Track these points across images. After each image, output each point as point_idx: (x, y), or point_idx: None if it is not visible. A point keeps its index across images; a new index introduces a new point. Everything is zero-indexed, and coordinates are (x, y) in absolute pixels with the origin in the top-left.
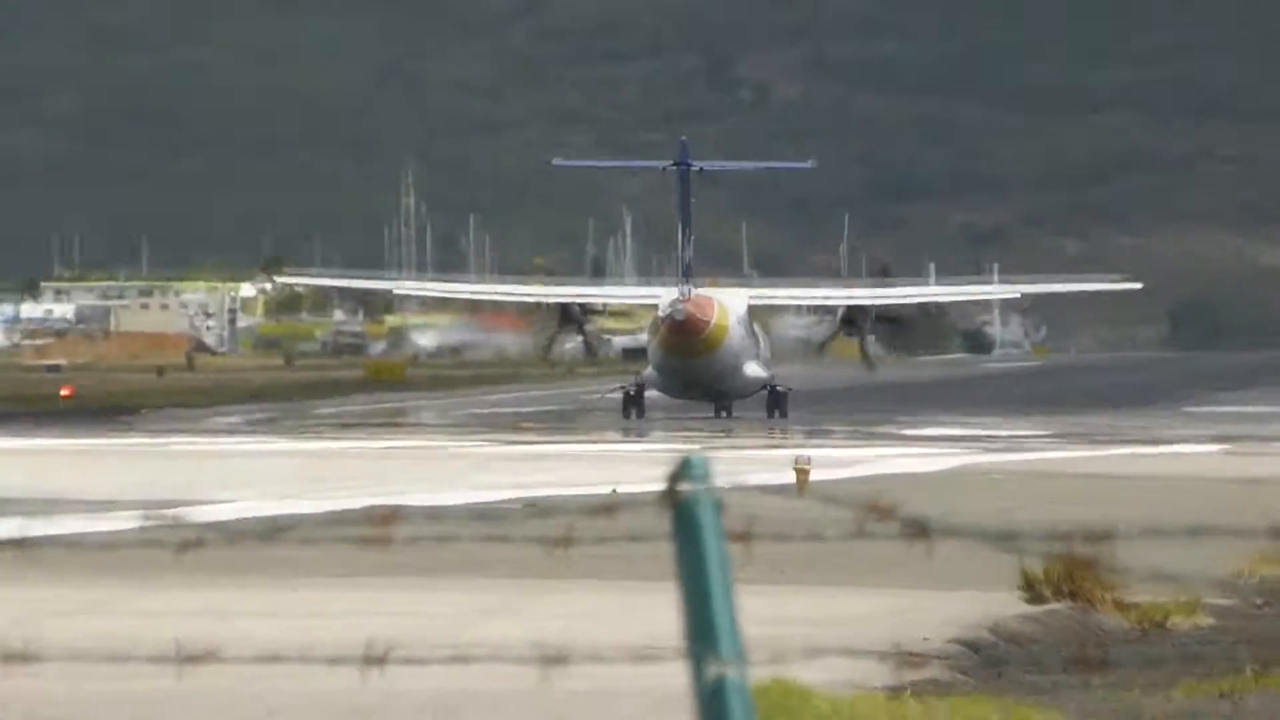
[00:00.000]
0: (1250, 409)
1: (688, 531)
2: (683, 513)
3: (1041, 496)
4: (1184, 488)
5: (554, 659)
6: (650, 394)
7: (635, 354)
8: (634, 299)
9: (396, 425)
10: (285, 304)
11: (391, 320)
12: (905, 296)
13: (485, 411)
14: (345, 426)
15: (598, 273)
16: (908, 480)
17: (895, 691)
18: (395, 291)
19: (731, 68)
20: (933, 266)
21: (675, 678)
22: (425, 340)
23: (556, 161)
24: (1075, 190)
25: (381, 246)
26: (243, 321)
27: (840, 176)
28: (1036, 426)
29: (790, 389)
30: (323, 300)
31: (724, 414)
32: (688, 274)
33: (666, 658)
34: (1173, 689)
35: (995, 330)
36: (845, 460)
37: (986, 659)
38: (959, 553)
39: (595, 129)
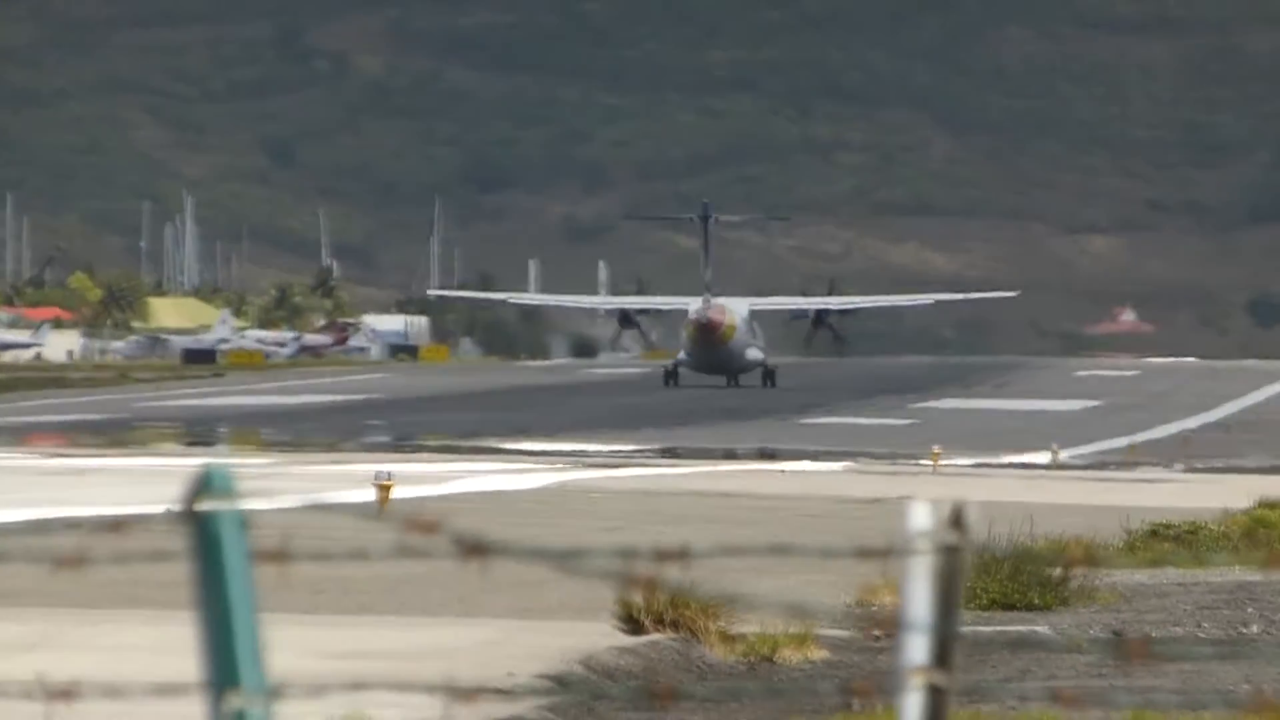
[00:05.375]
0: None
1: (206, 551)
2: (201, 530)
3: (647, 518)
4: (808, 509)
5: (60, 695)
6: (682, 371)
7: (197, 354)
8: (669, 306)
9: None
10: None
11: None
12: (857, 303)
13: (22, 420)
14: None
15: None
16: (499, 499)
17: None
18: (509, 301)
19: (303, 36)
20: (532, 265)
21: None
22: None
23: (627, 216)
24: (681, 178)
25: None
26: None
27: (429, 160)
28: (642, 441)
29: (777, 367)
30: None
31: (733, 384)
32: (709, 288)
33: (193, 692)
34: None
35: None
36: (436, 476)
37: (577, 695)
38: (554, 580)
39: (153, 100)
